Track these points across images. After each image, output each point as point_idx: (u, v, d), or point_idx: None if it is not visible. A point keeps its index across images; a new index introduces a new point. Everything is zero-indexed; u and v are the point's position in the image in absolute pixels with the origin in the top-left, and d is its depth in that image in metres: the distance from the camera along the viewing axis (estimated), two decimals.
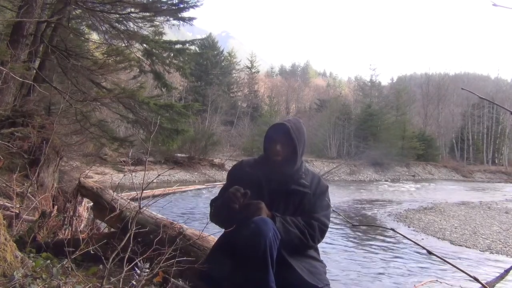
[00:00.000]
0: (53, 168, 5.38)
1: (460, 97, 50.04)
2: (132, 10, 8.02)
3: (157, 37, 9.06)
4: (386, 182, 28.17)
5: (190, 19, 8.76)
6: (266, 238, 1.63)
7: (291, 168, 1.89)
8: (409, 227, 10.75)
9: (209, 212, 1.98)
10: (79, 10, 7.73)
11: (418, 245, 1.18)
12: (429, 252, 1.07)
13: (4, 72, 3.82)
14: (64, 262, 1.80)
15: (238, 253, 1.69)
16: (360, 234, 9.42)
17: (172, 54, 9.43)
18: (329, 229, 1.92)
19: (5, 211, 3.17)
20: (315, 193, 1.90)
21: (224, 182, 2.05)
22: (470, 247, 8.58)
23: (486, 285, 1.15)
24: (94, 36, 9.20)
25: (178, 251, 1.88)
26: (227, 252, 1.78)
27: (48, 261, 1.90)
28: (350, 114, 40.61)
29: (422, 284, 2.56)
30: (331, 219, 1.94)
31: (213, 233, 2.15)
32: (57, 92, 7.05)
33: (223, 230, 1.89)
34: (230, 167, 2.18)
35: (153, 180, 2.23)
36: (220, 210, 1.89)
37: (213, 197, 2.05)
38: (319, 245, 1.95)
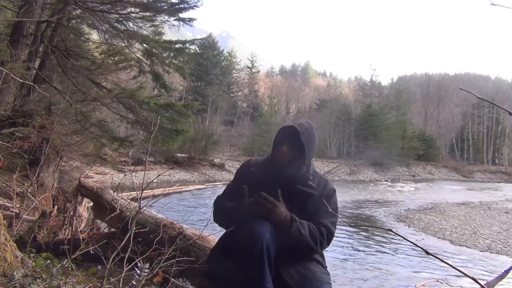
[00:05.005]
0: (53, 168, 5.38)
1: (460, 97, 50.07)
2: (132, 10, 8.02)
3: (157, 37, 9.05)
4: (386, 182, 28.17)
5: (190, 20, 8.75)
6: (263, 240, 1.59)
7: (296, 171, 1.86)
8: (409, 227, 10.75)
9: (212, 211, 1.92)
10: (79, 10, 7.72)
11: (416, 245, 1.19)
12: (427, 253, 1.07)
13: (4, 72, 3.82)
14: (64, 262, 1.81)
15: (235, 254, 1.67)
16: (359, 234, 9.41)
17: (172, 54, 9.42)
18: None
19: (5, 211, 3.17)
20: (322, 195, 1.84)
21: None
22: (470, 247, 8.58)
23: (485, 286, 1.15)
24: (94, 36, 9.19)
25: (178, 251, 1.88)
26: (227, 252, 1.76)
27: (48, 261, 1.90)
28: (350, 114, 40.62)
29: (423, 285, 2.56)
30: None
31: (213, 233, 2.16)
32: (57, 92, 7.04)
33: (225, 230, 1.87)
34: (238, 167, 2.14)
35: (153, 180, 2.24)
36: (231, 212, 1.82)
37: (218, 195, 1.99)
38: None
